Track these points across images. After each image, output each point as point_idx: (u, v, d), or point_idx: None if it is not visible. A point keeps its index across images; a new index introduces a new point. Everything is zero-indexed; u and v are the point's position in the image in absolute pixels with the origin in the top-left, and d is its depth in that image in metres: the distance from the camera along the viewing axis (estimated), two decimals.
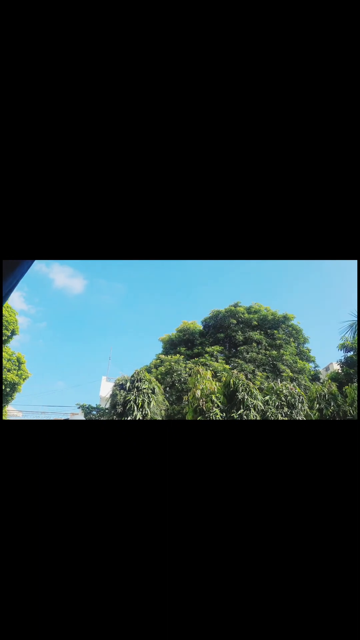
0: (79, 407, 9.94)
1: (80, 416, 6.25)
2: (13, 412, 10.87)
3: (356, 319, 6.95)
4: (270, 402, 6.96)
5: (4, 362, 8.21)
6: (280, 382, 7.85)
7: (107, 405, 8.23)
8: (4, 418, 8.12)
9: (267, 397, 7.06)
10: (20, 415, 11.74)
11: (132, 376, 6.89)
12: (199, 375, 7.09)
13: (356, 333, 7.65)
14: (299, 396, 7.06)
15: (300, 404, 6.93)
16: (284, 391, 7.06)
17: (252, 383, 7.23)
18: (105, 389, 12.31)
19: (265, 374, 9.23)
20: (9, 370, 8.34)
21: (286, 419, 6.80)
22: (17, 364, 8.42)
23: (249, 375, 9.19)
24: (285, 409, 6.93)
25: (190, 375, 8.30)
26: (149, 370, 9.44)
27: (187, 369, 9.49)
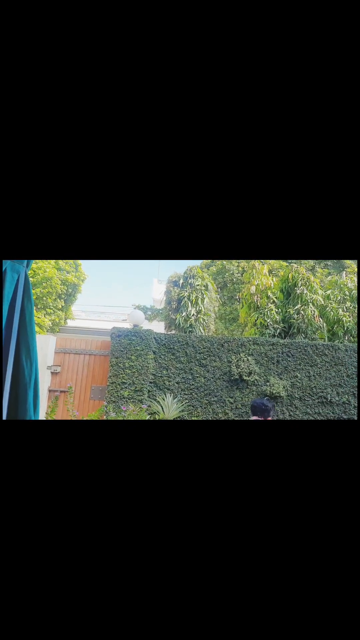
0: (135, 308, 10.48)
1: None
2: (77, 312, 11.83)
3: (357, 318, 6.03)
4: (332, 296, 6.53)
5: (63, 264, 8.54)
6: (345, 275, 7.22)
7: (162, 305, 8.51)
8: (69, 318, 8.88)
9: (328, 292, 6.62)
10: (82, 315, 12.84)
11: (185, 273, 6.78)
12: (254, 270, 6.75)
13: None
14: None
15: None
16: (349, 284, 6.52)
17: (314, 278, 6.73)
18: (157, 291, 12.66)
19: (327, 270, 8.55)
20: (68, 272, 8.74)
21: (347, 314, 6.44)
22: (74, 266, 8.74)
23: (308, 273, 8.61)
24: (348, 304, 6.50)
25: (244, 272, 8.00)
26: None
27: (240, 268, 9.14)
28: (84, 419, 5.63)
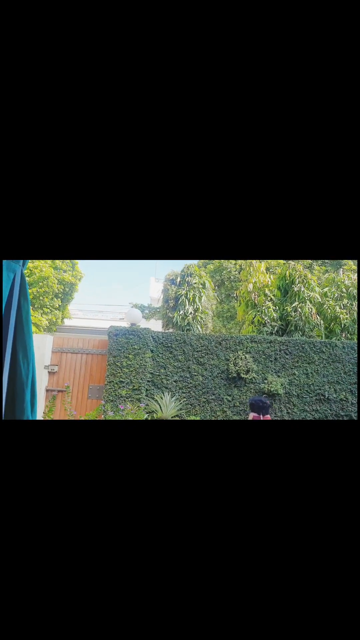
0: (132, 306, 10.46)
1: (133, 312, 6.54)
2: (74, 311, 11.78)
3: (357, 317, 6.06)
4: (329, 293, 6.55)
5: (60, 263, 8.49)
6: (342, 273, 7.24)
7: (159, 304, 8.50)
8: (66, 317, 8.84)
9: (325, 289, 6.63)
10: (80, 314, 12.80)
11: (182, 271, 6.77)
12: (251, 268, 6.74)
13: None
14: None
15: None
16: (346, 282, 6.54)
17: (311, 275, 6.74)
18: (154, 290, 12.64)
19: (324, 267, 8.57)
20: (64, 272, 8.70)
21: (344, 312, 6.46)
22: (70, 264, 8.70)
23: (305, 271, 8.62)
24: (345, 301, 6.52)
25: (241, 269, 8.00)
26: None
27: (238, 266, 9.14)
28: (82, 418, 5.61)
